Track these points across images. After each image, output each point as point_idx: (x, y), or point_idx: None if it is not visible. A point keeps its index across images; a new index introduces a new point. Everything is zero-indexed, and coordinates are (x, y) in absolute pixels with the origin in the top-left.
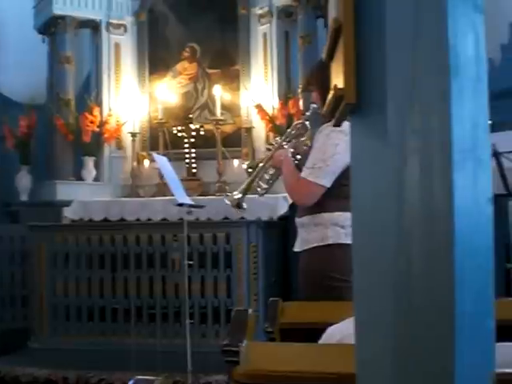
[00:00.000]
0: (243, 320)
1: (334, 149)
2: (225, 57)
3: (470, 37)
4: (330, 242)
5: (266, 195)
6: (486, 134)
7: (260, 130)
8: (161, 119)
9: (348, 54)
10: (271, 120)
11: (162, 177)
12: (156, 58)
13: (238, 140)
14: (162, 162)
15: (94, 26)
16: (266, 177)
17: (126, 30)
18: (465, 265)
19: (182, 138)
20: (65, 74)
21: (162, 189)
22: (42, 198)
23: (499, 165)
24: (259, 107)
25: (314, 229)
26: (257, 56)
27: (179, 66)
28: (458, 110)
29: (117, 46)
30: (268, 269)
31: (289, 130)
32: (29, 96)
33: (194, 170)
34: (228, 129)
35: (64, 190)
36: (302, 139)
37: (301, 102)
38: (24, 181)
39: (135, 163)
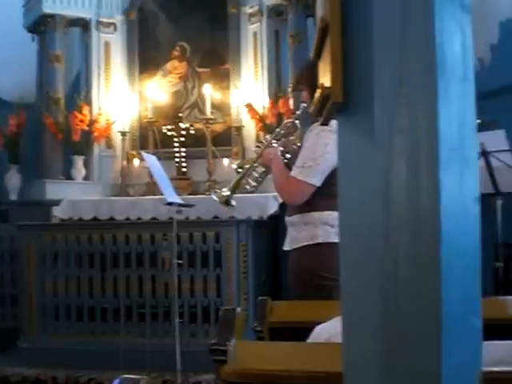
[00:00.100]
0: (231, 319)
1: (324, 148)
2: (215, 56)
3: (457, 36)
4: (320, 240)
5: (256, 194)
6: (473, 133)
7: (250, 129)
8: (151, 118)
9: (335, 53)
10: (261, 119)
11: (151, 176)
12: (146, 57)
13: (228, 139)
14: (151, 160)
15: (83, 25)
16: (255, 175)
17: (115, 29)
18: (452, 264)
19: (172, 136)
20: (54, 72)
21: (152, 188)
22: (31, 197)
23: (488, 164)
24: (249, 106)
25: (304, 228)
26: (247, 55)
27: (169, 65)
28: (444, 109)
29: (107, 44)
30: (258, 268)
31: (278, 129)
32: (18, 95)
33: (184, 169)
34: (218, 128)
35: (53, 189)
36: (292, 138)
37: (291, 101)
38: (13, 180)
39: (125, 162)
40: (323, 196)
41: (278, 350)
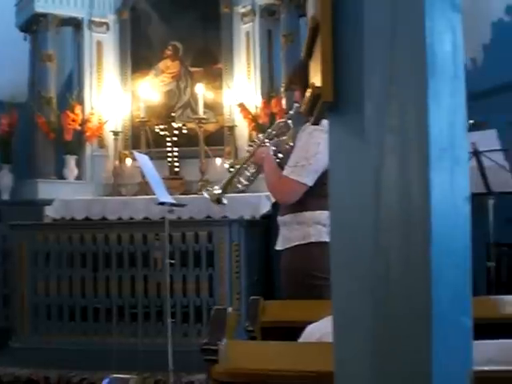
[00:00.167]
0: (223, 319)
1: (316, 147)
2: (207, 55)
3: (448, 36)
4: (312, 240)
5: (248, 194)
6: (463, 132)
7: (243, 128)
8: (143, 118)
9: (325, 52)
10: (254, 119)
11: (144, 176)
12: (138, 57)
13: (220, 139)
14: (143, 160)
15: (75, 24)
16: (247, 174)
17: (108, 28)
18: (442, 264)
19: (165, 136)
20: (46, 72)
21: (144, 188)
22: (23, 196)
23: (479, 164)
24: (242, 106)
25: (297, 227)
26: (239, 55)
27: (162, 65)
28: (435, 109)
29: (99, 44)
30: (250, 268)
31: (270, 129)
32: (10, 94)
33: (177, 169)
34: (211, 127)
35: (45, 189)
36: (284, 138)
37: (284, 101)
38: (5, 179)
39: (117, 162)
40: (315, 195)
41: (269, 349)
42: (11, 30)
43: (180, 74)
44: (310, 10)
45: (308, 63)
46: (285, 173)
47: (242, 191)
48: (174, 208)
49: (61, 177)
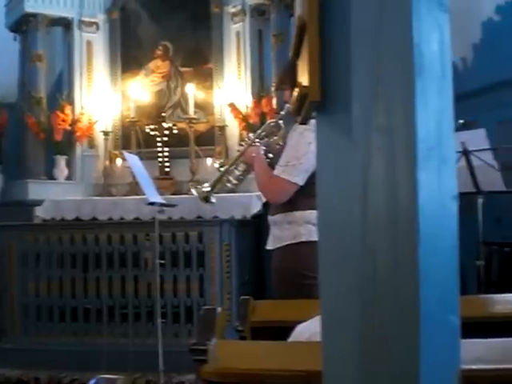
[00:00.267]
0: (212, 319)
1: (307, 147)
2: (198, 55)
3: (435, 35)
4: (303, 239)
5: (239, 194)
6: (450, 131)
7: (233, 128)
8: (133, 118)
9: (312, 51)
10: (244, 119)
11: (134, 176)
12: (128, 57)
13: (211, 139)
14: (132, 160)
15: (65, 24)
16: (237, 173)
17: (98, 28)
18: (429, 264)
19: (155, 136)
20: (36, 72)
21: (135, 188)
22: (13, 197)
23: (469, 163)
24: (232, 106)
25: (287, 227)
26: (230, 54)
27: (152, 65)
28: (422, 108)
29: (89, 44)
30: (241, 267)
31: (261, 129)
32: (0, 94)
33: (167, 169)
34: (201, 127)
35: (36, 189)
36: (275, 138)
37: (274, 101)
38: None
39: (107, 162)
40: (306, 195)
41: (258, 349)
42: (1, 30)
43: (170, 73)
44: (298, 9)
45: (296, 63)
46: (276, 172)
47: (232, 190)
48: (165, 208)
49: (51, 177)
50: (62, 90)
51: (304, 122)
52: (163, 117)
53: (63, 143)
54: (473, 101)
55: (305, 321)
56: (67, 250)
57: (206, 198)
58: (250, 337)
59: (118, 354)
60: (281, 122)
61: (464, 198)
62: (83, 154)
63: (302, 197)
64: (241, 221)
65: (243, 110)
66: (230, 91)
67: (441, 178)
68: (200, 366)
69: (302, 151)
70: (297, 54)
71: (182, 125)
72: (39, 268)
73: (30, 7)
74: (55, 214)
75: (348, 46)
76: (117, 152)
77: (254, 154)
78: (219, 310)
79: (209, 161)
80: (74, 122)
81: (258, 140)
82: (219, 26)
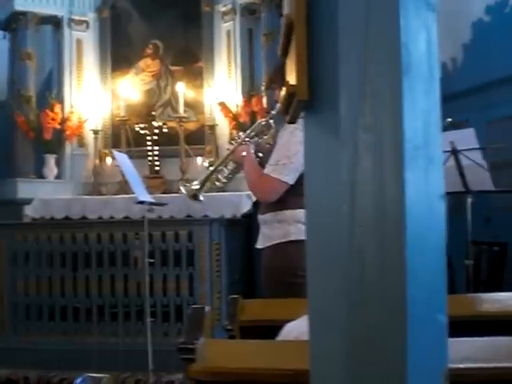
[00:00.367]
0: (200, 318)
1: (297, 146)
2: (188, 54)
3: (422, 35)
4: (293, 238)
5: (229, 193)
6: (437, 131)
7: (223, 127)
8: (123, 116)
9: (300, 51)
10: (235, 117)
11: (123, 174)
12: (118, 55)
13: (201, 137)
14: (122, 159)
15: (55, 22)
16: (226, 171)
17: (88, 27)
18: (417, 264)
19: (145, 135)
20: (26, 70)
21: (125, 187)
22: (2, 196)
23: (458, 162)
24: (223, 105)
25: (277, 226)
26: (220, 53)
27: (142, 63)
28: (409, 108)
29: (79, 42)
30: (231, 266)
31: (251, 128)
32: None
33: (157, 168)
34: (191, 126)
35: (25, 188)
36: (265, 137)
37: (264, 100)
38: None
39: (97, 161)
40: (296, 194)
41: (246, 348)
42: None
43: (160, 72)
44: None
45: (284, 62)
46: (266, 171)
47: (221, 189)
48: (154, 207)
49: (40, 176)
50: (51, 88)
51: (292, 121)
52: (153, 115)
53: (53, 142)
54: (462, 100)
55: (294, 320)
56: (57, 249)
57: (194, 196)
58: (239, 336)
59: (107, 353)
60: (271, 121)
61: (453, 198)
62: (73, 153)
63: (292, 196)
64: (231, 220)
65: (233, 109)
66: (220, 90)
67: (428, 177)
68: (188, 365)
69: (293, 150)
70: (285, 53)
71: (172, 124)
72: (28, 267)
73: (19, 5)
74: (45, 212)
75: (335, 45)
76: (107, 151)
77: (244, 153)
78: (207, 308)
79: (199, 160)
80: (64, 121)
81: (248, 139)
82: (210, 24)
